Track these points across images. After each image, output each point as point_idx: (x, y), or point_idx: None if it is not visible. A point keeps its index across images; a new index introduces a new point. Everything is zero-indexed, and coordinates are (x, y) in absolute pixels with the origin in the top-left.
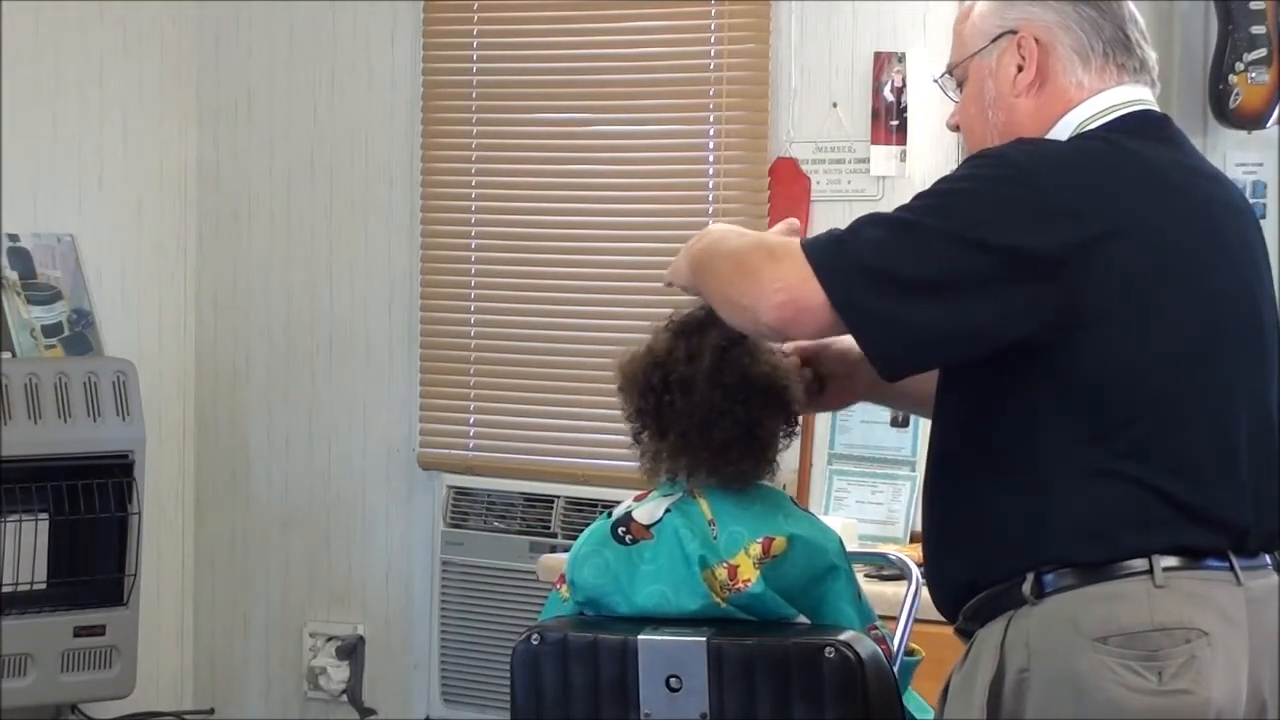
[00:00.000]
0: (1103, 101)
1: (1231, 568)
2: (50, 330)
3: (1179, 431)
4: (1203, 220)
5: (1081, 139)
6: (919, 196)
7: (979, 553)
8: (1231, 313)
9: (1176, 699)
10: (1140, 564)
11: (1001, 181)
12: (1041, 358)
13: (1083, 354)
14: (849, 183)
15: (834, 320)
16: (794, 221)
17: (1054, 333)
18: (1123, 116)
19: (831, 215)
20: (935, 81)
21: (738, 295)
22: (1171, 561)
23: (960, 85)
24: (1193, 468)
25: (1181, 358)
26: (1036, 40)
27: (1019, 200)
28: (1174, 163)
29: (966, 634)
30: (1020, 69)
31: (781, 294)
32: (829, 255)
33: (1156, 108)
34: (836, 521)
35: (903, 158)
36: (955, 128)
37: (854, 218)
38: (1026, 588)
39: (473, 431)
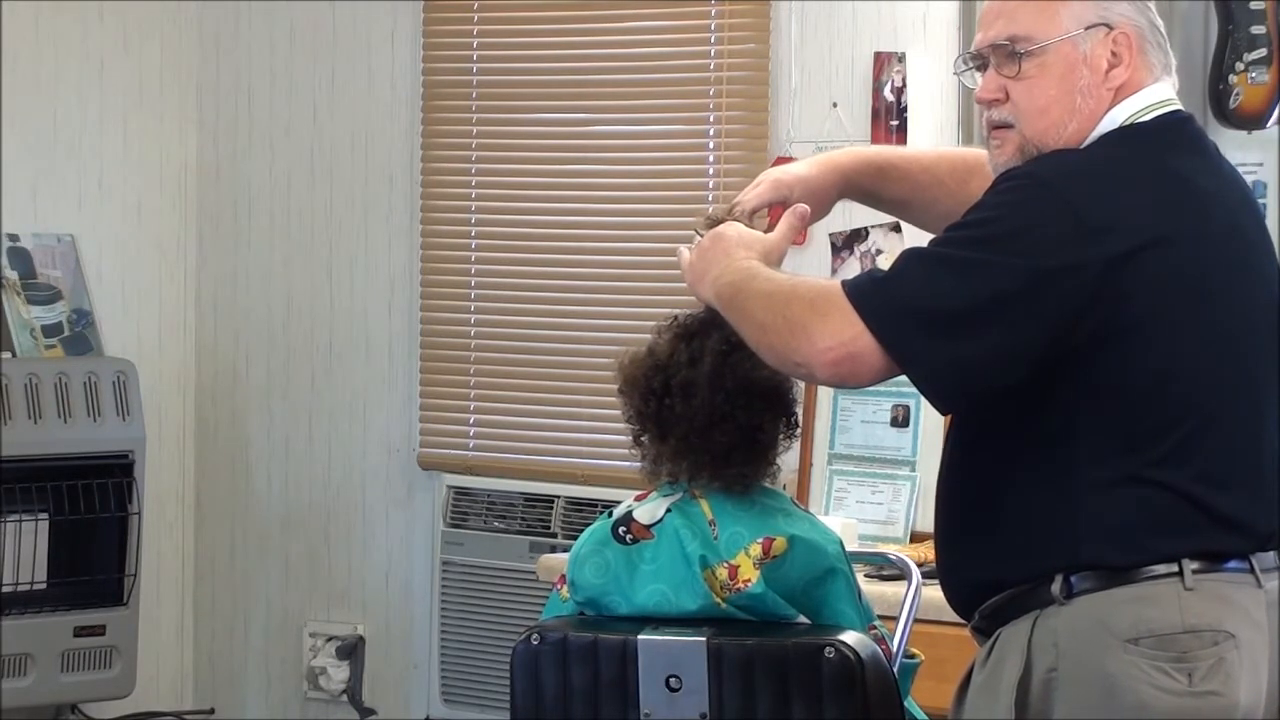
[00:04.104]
0: (1150, 96)
1: (1252, 569)
2: (50, 330)
3: (1211, 439)
4: (1231, 226)
5: (1113, 146)
6: (954, 228)
7: (1003, 553)
8: (1263, 320)
9: (1206, 700)
10: (1169, 567)
11: (1034, 204)
12: (1077, 366)
13: (1119, 363)
14: None
15: (890, 367)
16: (803, 208)
17: (1092, 343)
18: (1161, 116)
19: (830, 215)
20: (991, 45)
21: (788, 352)
22: (1197, 564)
23: (1018, 60)
24: (1224, 475)
25: (1216, 366)
26: (1129, 38)
27: (1055, 221)
28: (1201, 167)
29: (984, 633)
30: (1111, 64)
31: (835, 351)
32: (877, 303)
33: (1182, 107)
34: (836, 521)
35: None
36: (992, 101)
37: (853, 218)
38: (1055, 588)
39: (473, 431)
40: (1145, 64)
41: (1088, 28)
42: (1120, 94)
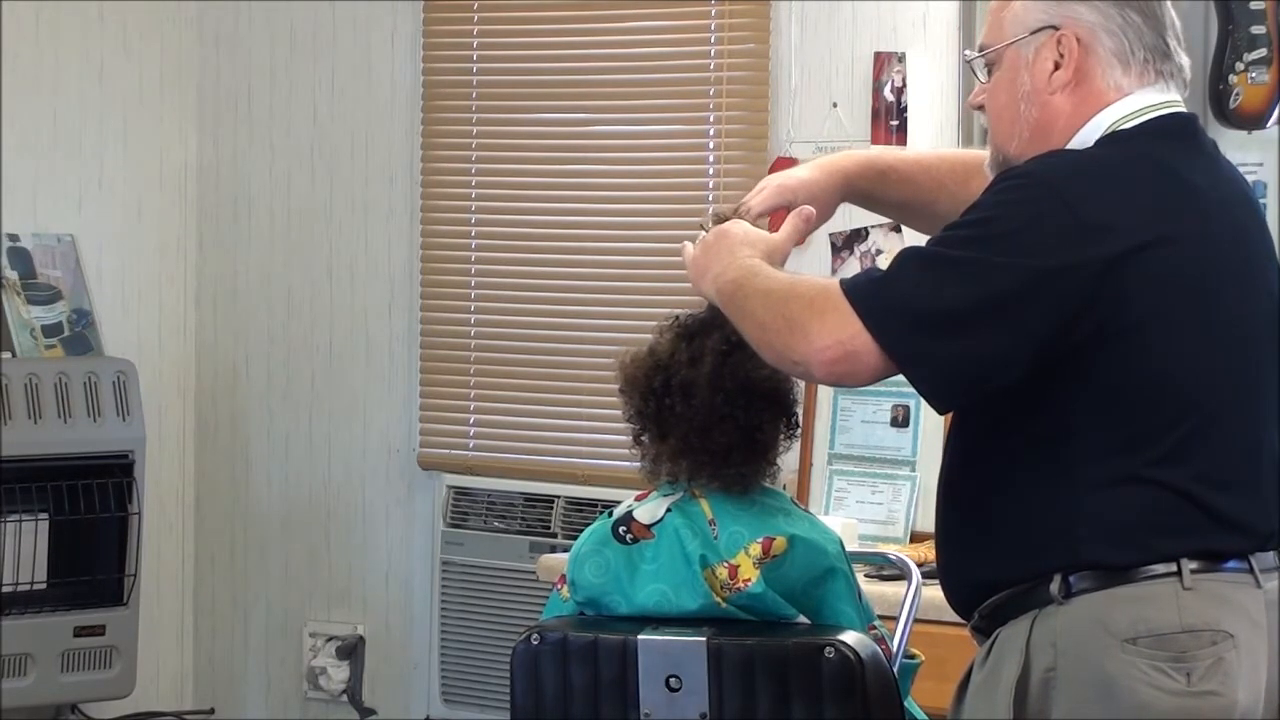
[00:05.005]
0: (1136, 102)
1: (1251, 570)
2: (50, 330)
3: (1211, 438)
4: (1230, 226)
5: (1108, 147)
6: (952, 228)
7: (1003, 552)
8: (1263, 319)
9: (1205, 700)
10: (1167, 567)
11: (1034, 203)
12: (1077, 366)
13: (1119, 363)
14: None
15: (887, 365)
16: (808, 210)
17: (1092, 342)
18: (1153, 119)
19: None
20: (966, 60)
21: (786, 350)
22: (1195, 564)
23: (990, 68)
24: (1223, 474)
25: (1215, 365)
26: (1078, 40)
27: (1054, 220)
28: (1199, 166)
29: (983, 632)
30: (1057, 66)
31: (833, 350)
32: (874, 302)
33: (1185, 109)
34: (836, 521)
35: None
36: (979, 107)
37: (853, 218)
38: (1054, 588)
39: (473, 431)
40: (1101, 66)
41: (1033, 32)
42: (1094, 103)
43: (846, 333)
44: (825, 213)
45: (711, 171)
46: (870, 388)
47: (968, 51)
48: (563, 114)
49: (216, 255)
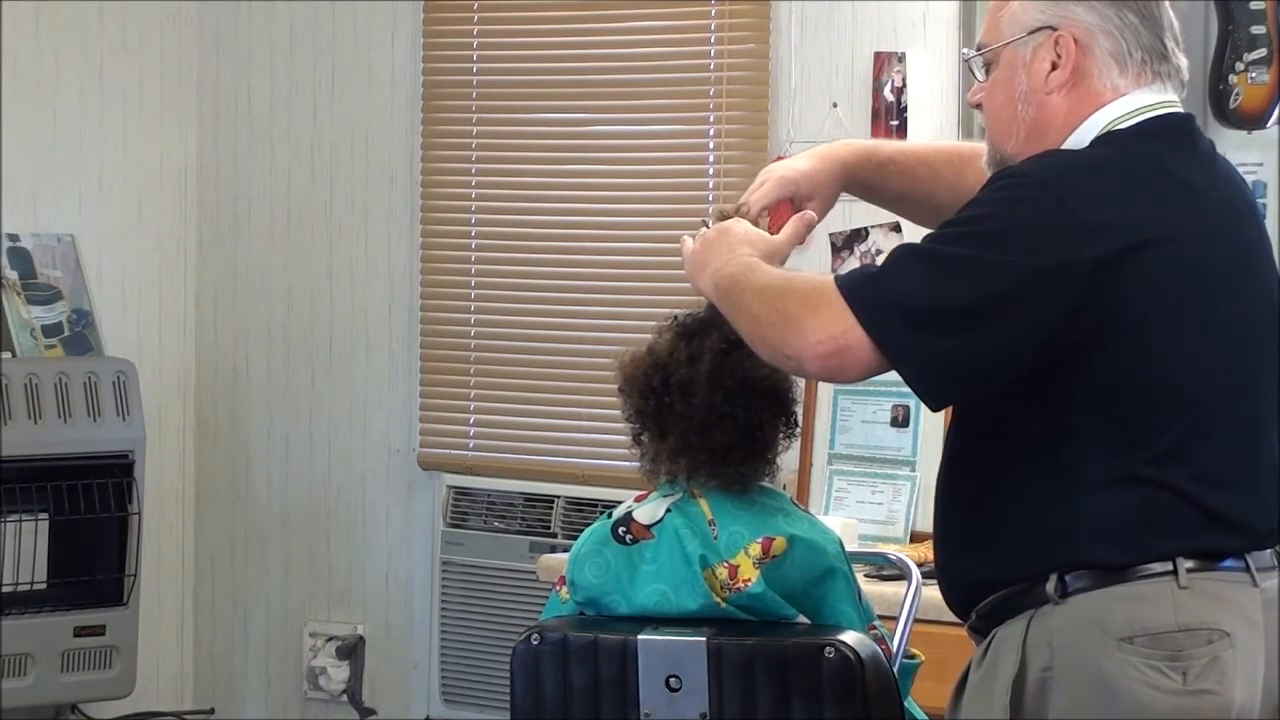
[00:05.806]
0: (1132, 103)
1: (1248, 568)
2: (50, 330)
3: (1210, 438)
4: (1226, 226)
5: (1104, 147)
6: (947, 225)
7: (1000, 552)
8: (1262, 319)
9: (1201, 699)
10: (1164, 566)
11: (1029, 202)
12: (1075, 366)
13: (1117, 363)
14: None
15: (880, 362)
16: (810, 214)
17: (1090, 342)
18: (1149, 119)
19: (831, 215)
20: (964, 58)
21: (779, 344)
22: (1192, 563)
23: (988, 67)
24: (1222, 474)
25: (1214, 365)
26: (1075, 40)
27: (1049, 220)
28: (1195, 166)
29: (980, 632)
30: (1055, 67)
31: (825, 344)
32: (869, 297)
33: (1182, 109)
34: (836, 521)
35: None
36: (977, 106)
37: (852, 217)
38: (1050, 587)
39: (473, 431)
40: (1098, 67)
41: (1031, 32)
42: (1091, 103)
43: (840, 327)
44: (826, 204)
45: (711, 171)
46: (871, 388)
47: (966, 50)
48: (563, 114)
49: (216, 255)
